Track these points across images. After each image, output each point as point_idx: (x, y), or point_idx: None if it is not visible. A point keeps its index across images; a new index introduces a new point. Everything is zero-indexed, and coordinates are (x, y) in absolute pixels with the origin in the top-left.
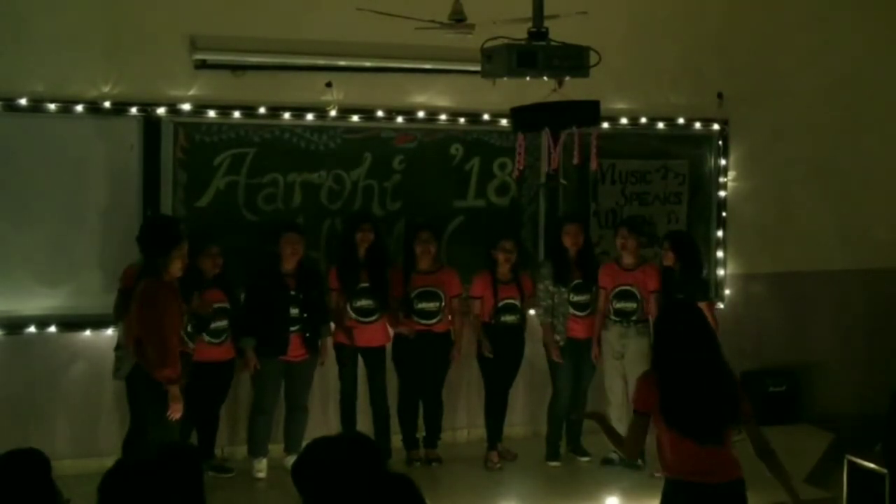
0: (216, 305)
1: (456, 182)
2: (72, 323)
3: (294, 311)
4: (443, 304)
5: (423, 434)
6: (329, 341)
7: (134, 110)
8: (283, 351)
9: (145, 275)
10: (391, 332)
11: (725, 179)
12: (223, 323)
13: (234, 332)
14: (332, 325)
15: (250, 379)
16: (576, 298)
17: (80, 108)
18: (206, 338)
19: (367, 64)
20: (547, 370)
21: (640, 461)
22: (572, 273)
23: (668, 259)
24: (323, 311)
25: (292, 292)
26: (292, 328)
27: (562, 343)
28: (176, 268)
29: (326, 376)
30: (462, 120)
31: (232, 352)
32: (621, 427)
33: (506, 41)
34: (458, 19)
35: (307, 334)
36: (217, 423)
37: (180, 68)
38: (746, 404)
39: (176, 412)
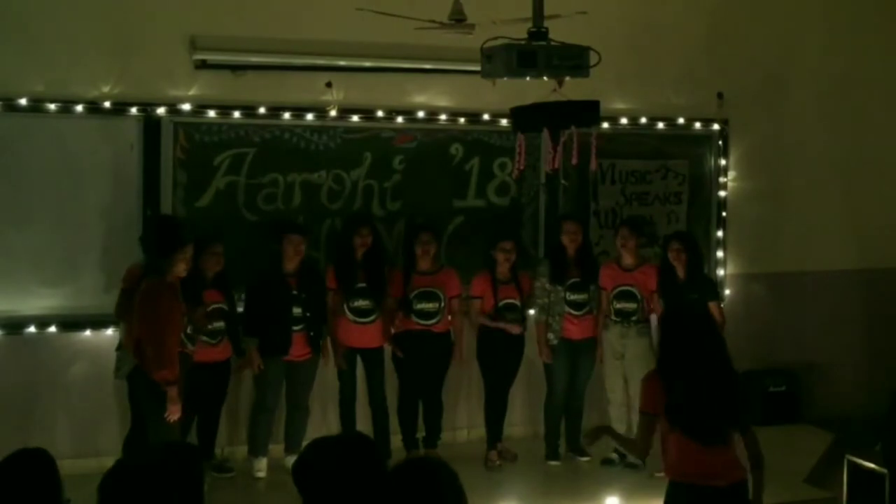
0: (214, 306)
1: (456, 182)
2: (72, 323)
3: (297, 311)
4: (442, 304)
5: (423, 434)
6: (329, 341)
7: (134, 110)
8: (286, 351)
9: (149, 275)
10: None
11: (725, 179)
12: (220, 324)
13: (234, 332)
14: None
15: (252, 378)
16: (572, 297)
17: (80, 108)
18: (204, 338)
19: (367, 64)
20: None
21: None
22: (569, 272)
23: (681, 260)
24: (324, 310)
25: (294, 292)
26: (296, 328)
27: (555, 342)
28: (180, 269)
29: (326, 376)
30: (462, 120)
31: (229, 352)
32: (621, 426)
33: (506, 41)
34: (458, 19)
35: (311, 333)
36: (217, 424)
37: (180, 68)
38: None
39: (174, 414)
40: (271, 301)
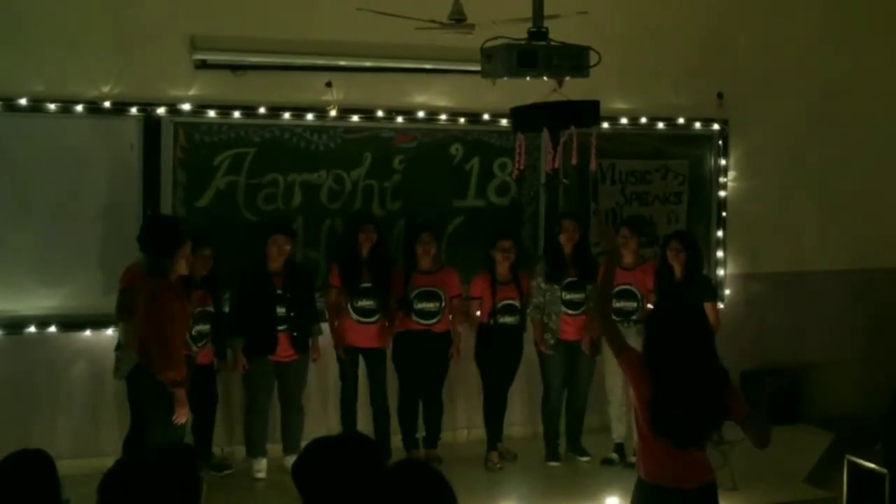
0: (199, 309)
1: (456, 182)
2: (72, 323)
3: (281, 311)
4: (443, 304)
5: (423, 434)
6: (320, 341)
7: (134, 110)
8: (272, 350)
9: (152, 275)
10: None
11: (725, 179)
12: (205, 327)
13: (220, 333)
14: (325, 325)
15: (242, 380)
16: (568, 296)
17: (80, 108)
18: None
19: (367, 64)
20: None
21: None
22: (566, 270)
23: (680, 259)
24: (313, 310)
25: (279, 292)
26: (280, 328)
27: (552, 341)
28: (181, 267)
29: (326, 376)
30: (462, 120)
31: (212, 355)
32: (621, 426)
33: (506, 41)
34: (458, 19)
35: (294, 334)
36: (212, 425)
37: (180, 68)
38: (740, 405)
39: (181, 416)
40: (255, 300)
